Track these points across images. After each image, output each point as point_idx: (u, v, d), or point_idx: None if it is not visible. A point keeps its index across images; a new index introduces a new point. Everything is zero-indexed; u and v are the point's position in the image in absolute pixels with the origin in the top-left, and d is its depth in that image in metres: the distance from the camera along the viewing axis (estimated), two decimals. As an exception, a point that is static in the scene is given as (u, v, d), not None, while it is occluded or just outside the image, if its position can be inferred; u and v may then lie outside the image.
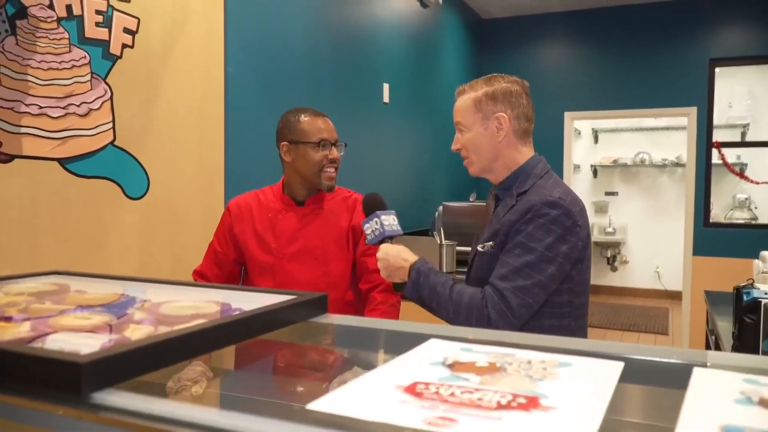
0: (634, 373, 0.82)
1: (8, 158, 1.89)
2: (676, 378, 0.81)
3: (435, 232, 3.95)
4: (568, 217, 1.57)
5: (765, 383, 0.73)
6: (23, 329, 0.83)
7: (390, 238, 1.66)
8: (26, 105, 1.93)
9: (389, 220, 1.66)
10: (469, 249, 4.02)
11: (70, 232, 2.08)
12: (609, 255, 8.89)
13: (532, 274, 1.54)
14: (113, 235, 2.23)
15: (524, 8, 6.43)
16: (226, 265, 2.05)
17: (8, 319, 0.89)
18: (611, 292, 8.87)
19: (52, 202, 2.02)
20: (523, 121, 1.69)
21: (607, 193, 8.94)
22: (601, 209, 8.92)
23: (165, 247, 2.44)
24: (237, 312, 0.94)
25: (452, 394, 0.66)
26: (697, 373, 0.77)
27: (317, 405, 0.62)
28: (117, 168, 2.24)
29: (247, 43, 2.90)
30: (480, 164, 1.71)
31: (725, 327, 2.95)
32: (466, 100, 1.69)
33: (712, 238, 6.00)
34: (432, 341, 0.90)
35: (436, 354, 0.83)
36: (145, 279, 1.32)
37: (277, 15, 3.13)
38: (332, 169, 1.99)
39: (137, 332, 0.83)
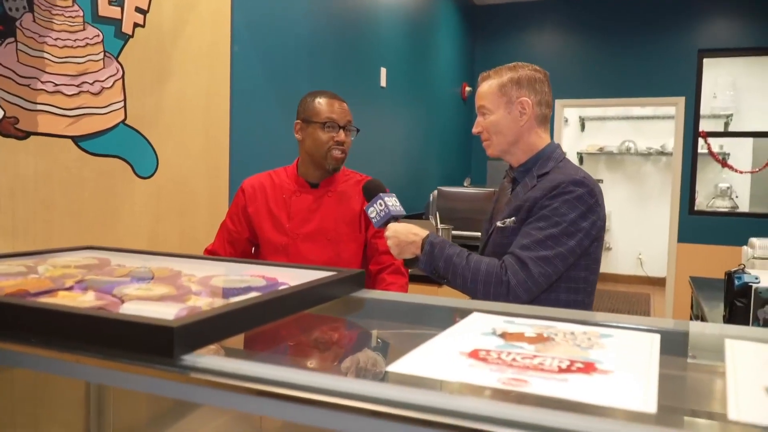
0: (666, 343, 0.88)
1: (24, 135, 1.90)
2: (706, 347, 0.88)
3: (431, 216, 4.00)
4: (591, 196, 1.65)
5: (793, 353, 0.79)
6: (88, 298, 0.87)
7: (395, 219, 1.71)
8: (42, 82, 1.93)
9: (392, 201, 1.72)
10: (464, 233, 4.08)
11: (82, 209, 2.09)
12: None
13: (553, 245, 1.61)
14: (123, 212, 2.25)
15: (517, -5, 6.48)
16: (240, 243, 2.09)
17: (69, 288, 0.93)
18: (594, 278, 9.00)
19: (66, 179, 2.04)
20: (544, 108, 1.77)
21: (593, 181, 9.04)
22: (586, 196, 9.01)
23: (173, 225, 2.46)
24: (284, 286, 0.98)
25: (514, 360, 0.71)
26: (729, 344, 0.83)
27: (396, 367, 0.67)
28: (127, 147, 2.26)
29: (253, 23, 2.91)
30: (500, 146, 1.77)
31: (711, 311, 3.04)
32: (491, 84, 1.75)
33: (697, 225, 6.13)
34: (475, 314, 0.95)
35: (483, 325, 0.88)
36: (174, 254, 1.35)
37: (280, -3, 3.15)
38: (339, 151, 2.03)
39: (199, 302, 0.87)
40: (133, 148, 2.28)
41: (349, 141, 2.05)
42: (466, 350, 0.75)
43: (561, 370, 0.68)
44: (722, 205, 7.82)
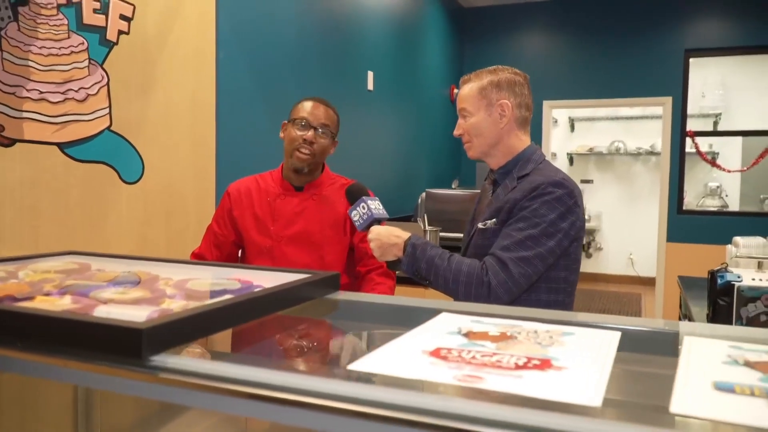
0: (629, 341, 0.90)
1: (10, 142, 1.92)
2: (667, 345, 0.90)
3: (419, 218, 4.03)
4: (570, 197, 1.67)
5: (748, 349, 0.82)
6: (65, 302, 0.89)
7: (378, 222, 1.74)
8: (27, 90, 1.96)
9: (375, 204, 1.75)
10: (452, 235, 4.10)
11: (68, 215, 2.11)
12: (584, 242, 9.05)
13: (533, 246, 1.63)
14: (110, 217, 2.27)
15: (505, -3, 6.53)
16: (225, 246, 2.11)
17: (47, 293, 0.95)
18: (585, 279, 9.05)
19: (52, 186, 2.06)
20: (524, 110, 1.80)
21: (583, 181, 9.10)
22: (576, 196, 9.07)
23: (159, 229, 2.48)
24: (259, 288, 1.00)
25: (473, 357, 0.74)
26: (687, 340, 0.85)
27: (357, 365, 0.69)
28: (113, 153, 2.28)
29: (238, 28, 2.93)
30: (481, 148, 1.80)
31: (698, 310, 3.07)
32: (472, 87, 1.79)
33: (685, 225, 6.18)
34: (444, 315, 0.97)
35: (449, 325, 0.91)
36: (156, 258, 1.38)
37: (266, 1, 3.17)
38: (305, 150, 2.02)
39: (173, 304, 0.89)
40: (119, 153, 2.30)
41: (320, 143, 2.04)
42: (428, 349, 0.77)
43: (518, 367, 0.71)
44: (712, 204, 7.87)
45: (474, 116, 1.79)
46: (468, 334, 0.85)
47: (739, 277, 2.63)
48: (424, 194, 4.52)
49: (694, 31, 6.12)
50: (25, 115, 1.95)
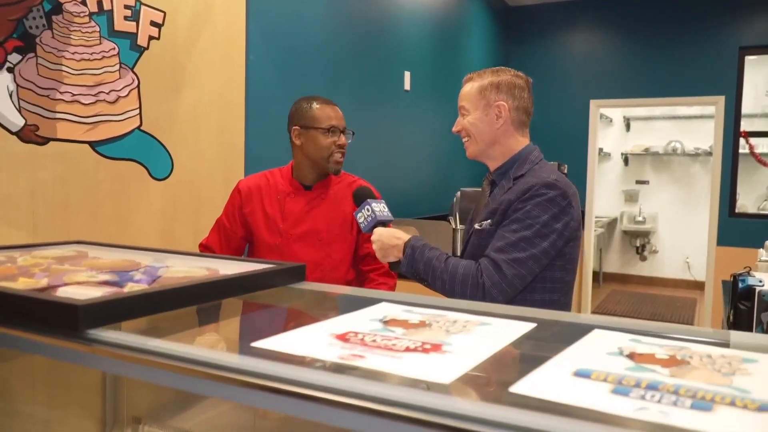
0: (548, 332, 0.96)
1: (44, 141, 2.09)
2: (579, 336, 0.95)
3: (450, 217, 4.09)
4: (564, 198, 1.71)
5: (646, 342, 0.86)
6: (42, 282, 1.01)
7: (383, 224, 1.81)
8: (60, 93, 2.13)
9: (380, 207, 1.82)
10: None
11: (99, 210, 2.28)
12: (638, 244, 8.88)
13: (527, 247, 1.68)
14: (139, 213, 2.43)
15: (553, -4, 6.48)
16: (233, 241, 2.22)
17: (31, 275, 1.07)
18: (640, 282, 8.88)
19: (83, 182, 2.22)
20: (522, 114, 1.84)
21: (638, 182, 8.91)
22: (631, 198, 8.91)
23: (186, 225, 2.63)
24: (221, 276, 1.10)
25: (373, 341, 0.82)
26: (594, 332, 0.90)
27: (260, 344, 0.78)
28: (143, 151, 2.44)
29: (268, 32, 3.06)
30: (477, 147, 1.86)
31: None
32: (472, 86, 1.84)
33: (737, 228, 5.99)
34: (382, 304, 1.05)
35: (379, 313, 0.98)
36: (155, 249, 1.49)
37: (297, 4, 3.29)
38: (340, 154, 2.15)
39: (135, 288, 1.00)
40: (149, 151, 2.46)
41: (347, 144, 2.18)
42: (338, 332, 0.85)
43: (407, 350, 0.78)
44: (776, 208, 7.58)
45: (471, 114, 1.85)
46: (388, 322, 0.93)
47: (761, 281, 2.59)
48: (458, 193, 4.56)
49: (750, 28, 5.93)
50: (58, 115, 2.12)
